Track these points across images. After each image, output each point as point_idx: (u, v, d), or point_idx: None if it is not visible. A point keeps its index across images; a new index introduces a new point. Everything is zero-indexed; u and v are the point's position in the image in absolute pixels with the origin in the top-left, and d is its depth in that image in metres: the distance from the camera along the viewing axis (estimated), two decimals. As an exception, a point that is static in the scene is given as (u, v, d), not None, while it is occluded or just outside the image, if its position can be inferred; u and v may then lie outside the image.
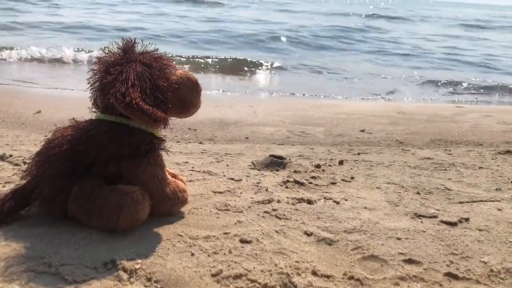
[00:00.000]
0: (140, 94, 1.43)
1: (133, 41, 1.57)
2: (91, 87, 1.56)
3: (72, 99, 4.79)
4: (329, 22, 18.14)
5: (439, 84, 8.01)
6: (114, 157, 1.50)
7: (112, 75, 1.45)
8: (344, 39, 14.06)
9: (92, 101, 1.58)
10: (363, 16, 25.60)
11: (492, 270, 1.39)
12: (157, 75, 1.52)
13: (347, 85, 7.51)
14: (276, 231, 1.57)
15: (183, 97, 1.58)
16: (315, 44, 12.49)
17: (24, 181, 1.56)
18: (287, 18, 19.01)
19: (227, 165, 2.40)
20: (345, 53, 11.57)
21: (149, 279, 1.24)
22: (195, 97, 1.62)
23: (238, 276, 1.28)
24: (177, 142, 3.16)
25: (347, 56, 11.09)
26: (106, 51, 1.56)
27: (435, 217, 1.77)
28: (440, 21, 26.80)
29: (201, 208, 1.74)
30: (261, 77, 8.03)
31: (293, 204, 1.83)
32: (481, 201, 1.99)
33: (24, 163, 2.10)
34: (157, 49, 1.60)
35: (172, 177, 1.73)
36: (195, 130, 3.73)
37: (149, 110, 1.41)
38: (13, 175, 1.97)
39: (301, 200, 1.87)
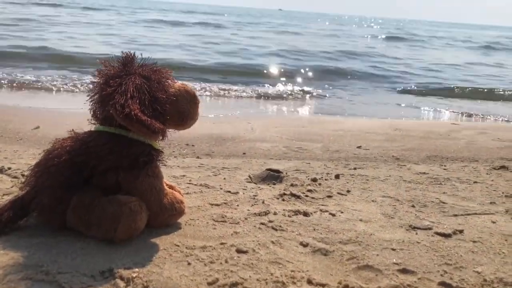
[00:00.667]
0: (139, 106, 1.46)
1: (132, 54, 1.61)
2: (90, 99, 1.59)
3: (70, 115, 4.82)
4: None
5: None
6: (113, 168, 1.52)
7: (111, 87, 1.49)
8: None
9: (92, 113, 1.61)
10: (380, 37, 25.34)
11: (485, 280, 1.40)
12: (156, 87, 1.55)
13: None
14: (272, 242, 1.59)
15: (181, 109, 1.61)
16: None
17: (23, 192, 1.57)
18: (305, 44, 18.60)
19: (224, 178, 2.42)
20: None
21: (146, 287, 1.26)
22: (193, 109, 1.65)
23: (234, 285, 1.29)
24: (175, 157, 3.18)
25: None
26: (106, 64, 1.59)
27: (430, 229, 1.79)
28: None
29: (198, 219, 1.75)
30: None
31: (289, 216, 1.85)
32: (475, 214, 2.01)
33: (23, 175, 2.12)
34: (156, 62, 1.63)
35: (170, 188, 1.74)
36: (192, 145, 3.75)
37: (147, 121, 1.43)
38: (12, 187, 1.99)
39: (297, 212, 1.89)
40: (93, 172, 1.52)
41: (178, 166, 2.69)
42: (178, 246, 1.50)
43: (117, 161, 1.52)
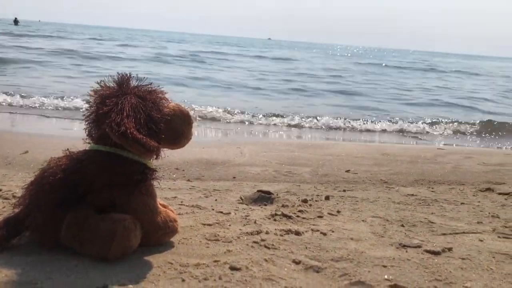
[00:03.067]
0: (135, 125, 1.49)
1: (128, 75, 1.64)
2: (86, 119, 1.62)
3: (59, 140, 4.81)
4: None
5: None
6: (107, 186, 1.54)
7: (107, 106, 1.52)
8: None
9: (87, 132, 1.63)
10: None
11: (475, 294, 1.43)
12: (151, 107, 1.59)
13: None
14: (265, 260, 1.60)
15: (176, 128, 1.64)
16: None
17: (17, 210, 1.57)
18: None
19: (216, 200, 2.44)
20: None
21: (140, 303, 1.26)
22: (187, 129, 1.68)
23: (228, 300, 1.30)
24: (165, 180, 3.19)
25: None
26: (102, 85, 1.63)
27: (419, 247, 1.82)
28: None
29: (191, 238, 1.77)
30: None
31: (281, 235, 1.87)
32: (463, 233, 2.04)
33: (14, 196, 2.11)
34: (151, 83, 1.67)
35: (163, 207, 1.76)
36: (183, 170, 3.76)
37: (143, 139, 1.46)
38: (3, 207, 1.98)
39: (289, 231, 1.91)
40: (87, 190, 1.53)
41: (169, 188, 2.70)
42: (171, 263, 1.51)
43: (111, 179, 1.53)
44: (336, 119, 8.36)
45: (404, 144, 6.99)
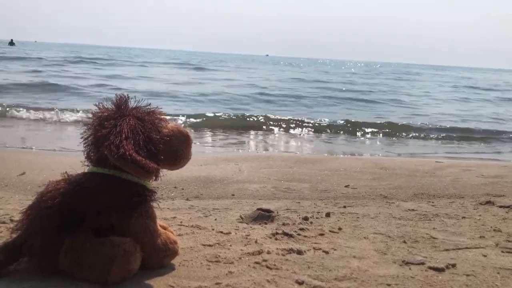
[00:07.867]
0: (134, 147, 1.48)
1: (126, 97, 1.64)
2: (84, 141, 1.61)
3: (56, 160, 4.79)
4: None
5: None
6: (106, 209, 1.52)
7: (106, 128, 1.51)
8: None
9: (85, 154, 1.62)
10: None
11: (481, 312, 1.41)
12: (150, 128, 1.58)
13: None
14: (268, 281, 1.58)
15: (175, 149, 1.63)
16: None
17: (14, 235, 1.55)
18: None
19: (215, 219, 2.42)
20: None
21: (142, 329, 1.23)
22: (186, 149, 1.67)
23: (232, 324, 1.28)
24: (164, 199, 3.17)
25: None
26: (100, 107, 1.62)
27: (423, 263, 1.80)
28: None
29: (191, 260, 1.74)
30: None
31: (283, 254, 1.85)
32: (466, 248, 2.03)
33: (11, 220, 2.09)
34: (150, 104, 1.67)
35: (163, 229, 1.74)
36: (182, 189, 3.74)
37: (142, 161, 1.45)
38: (0, 232, 1.95)
39: (290, 250, 1.89)
40: (86, 213, 1.51)
41: (168, 208, 2.68)
42: (172, 287, 1.49)
43: (110, 202, 1.52)
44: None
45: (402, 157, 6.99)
